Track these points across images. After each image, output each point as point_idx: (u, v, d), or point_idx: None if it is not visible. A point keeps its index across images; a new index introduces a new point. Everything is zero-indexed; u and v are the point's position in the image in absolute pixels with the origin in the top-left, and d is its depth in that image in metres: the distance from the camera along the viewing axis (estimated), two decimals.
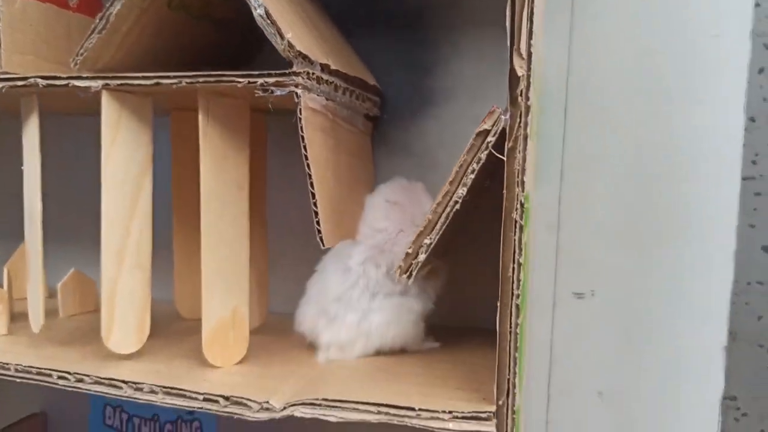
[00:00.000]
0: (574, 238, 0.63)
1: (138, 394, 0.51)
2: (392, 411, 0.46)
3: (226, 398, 0.49)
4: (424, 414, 0.45)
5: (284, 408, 0.48)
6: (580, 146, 0.62)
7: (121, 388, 0.51)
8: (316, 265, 0.62)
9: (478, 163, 0.44)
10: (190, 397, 0.50)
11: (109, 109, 0.52)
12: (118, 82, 0.51)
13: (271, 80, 0.47)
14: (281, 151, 0.69)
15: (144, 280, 0.55)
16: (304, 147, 0.47)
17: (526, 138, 0.43)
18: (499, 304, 0.44)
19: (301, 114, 0.46)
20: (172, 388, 0.50)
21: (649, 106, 0.60)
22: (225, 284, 0.53)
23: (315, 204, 0.48)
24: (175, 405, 0.50)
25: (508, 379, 0.45)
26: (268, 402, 0.48)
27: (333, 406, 0.47)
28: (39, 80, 0.52)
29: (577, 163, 0.62)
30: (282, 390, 0.50)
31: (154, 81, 0.50)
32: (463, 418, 0.45)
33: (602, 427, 0.63)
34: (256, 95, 0.47)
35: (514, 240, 0.43)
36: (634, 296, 0.62)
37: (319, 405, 0.47)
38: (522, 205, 0.43)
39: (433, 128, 0.66)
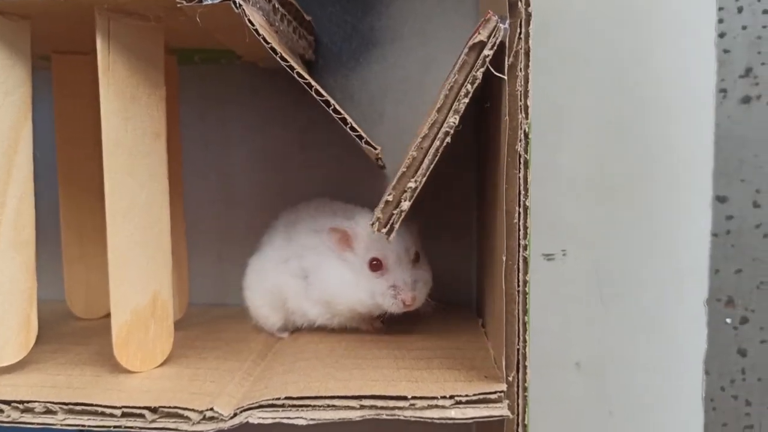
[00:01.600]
0: (540, 195, 0.57)
1: (27, 417, 0.38)
2: (379, 403, 0.36)
3: (153, 410, 0.37)
4: (419, 403, 0.36)
5: (234, 414, 0.37)
6: (548, 97, 0.56)
7: (1, 411, 0.38)
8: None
9: (473, 83, 0.35)
10: (104, 414, 0.37)
11: None
12: None
13: None
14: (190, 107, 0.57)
15: (26, 266, 0.42)
16: (286, 63, 0.36)
17: (528, 53, 0.35)
18: (504, 258, 0.36)
19: (253, 25, 0.34)
20: (76, 404, 0.37)
21: (620, 53, 0.55)
22: (141, 262, 0.41)
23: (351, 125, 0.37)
24: (83, 426, 0.37)
25: (518, 349, 0.37)
26: (211, 409, 0.37)
27: (301, 406, 0.37)
28: None
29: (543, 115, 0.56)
30: (226, 392, 0.39)
31: None
32: (468, 402, 0.36)
33: (581, 398, 0.57)
34: (179, 5, 0.35)
35: (519, 178, 0.36)
36: (608, 255, 0.57)
37: (282, 406, 0.37)
38: (526, 135, 0.36)
39: (376, 74, 0.57)
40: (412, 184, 0.36)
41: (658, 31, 0.55)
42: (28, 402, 0.38)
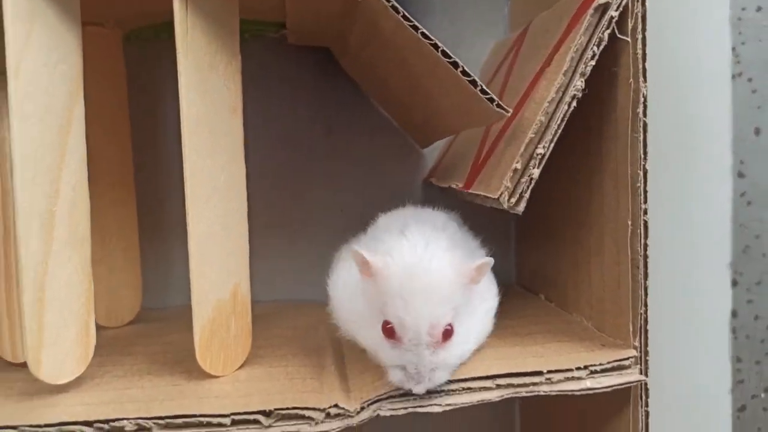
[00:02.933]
0: None
1: None
2: (515, 381, 0.35)
3: (268, 414, 0.33)
4: (555, 376, 0.35)
5: (362, 408, 0.34)
6: None
7: None
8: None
9: (598, 45, 0.34)
10: (210, 424, 0.33)
11: None
12: None
13: None
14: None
15: (82, 267, 0.36)
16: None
17: (645, 17, 0.35)
18: (630, 223, 0.36)
19: None
20: (173, 417, 0.33)
21: None
22: (222, 253, 0.37)
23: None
24: None
25: (641, 314, 0.37)
26: (336, 405, 0.33)
27: (434, 392, 0.34)
28: None
29: None
30: (337, 387, 0.36)
31: None
32: (603, 371, 0.36)
33: None
34: None
35: (640, 142, 0.35)
36: None
37: (416, 395, 0.34)
38: (645, 98, 0.36)
39: None
40: (540, 150, 0.34)
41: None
42: (114, 421, 0.32)
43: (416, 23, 0.34)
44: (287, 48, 0.53)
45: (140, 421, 0.32)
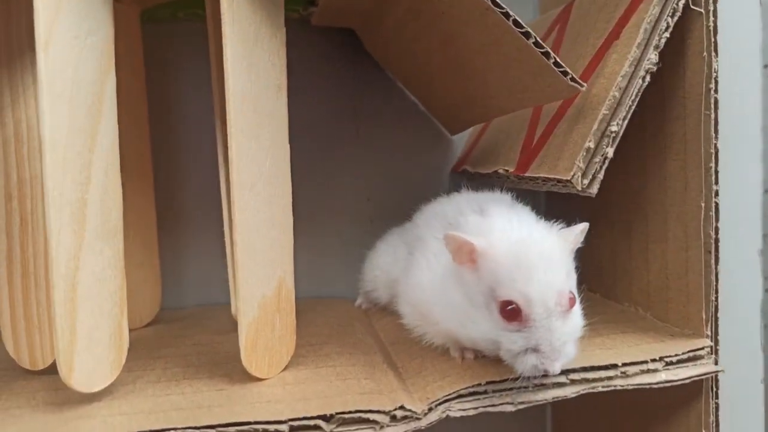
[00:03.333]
0: None
1: None
2: (590, 375, 0.32)
3: (328, 418, 0.30)
4: (630, 369, 0.33)
5: (429, 409, 0.31)
6: None
7: None
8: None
9: (672, 16, 0.32)
10: (316, 427, 0.30)
11: None
12: None
13: None
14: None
15: (115, 261, 0.32)
16: None
17: None
18: (703, 205, 0.34)
19: None
20: (226, 425, 0.29)
21: None
22: (266, 245, 0.34)
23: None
24: None
25: (712, 302, 0.35)
26: (402, 407, 0.31)
27: (505, 390, 0.32)
28: None
29: None
30: (397, 388, 0.33)
31: None
32: (679, 362, 0.34)
33: None
34: None
35: (712, 119, 0.34)
36: None
37: (485, 393, 0.32)
38: (716, 73, 0.34)
39: None
40: (614, 128, 0.32)
41: None
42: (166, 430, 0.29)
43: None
44: (310, 30, 0.50)
45: (189, 431, 0.29)
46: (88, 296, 0.31)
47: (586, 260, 0.48)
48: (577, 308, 0.32)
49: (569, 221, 0.49)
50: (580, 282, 0.48)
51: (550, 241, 0.32)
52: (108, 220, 0.32)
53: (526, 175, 0.37)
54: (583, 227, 0.33)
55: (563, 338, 0.30)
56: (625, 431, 0.43)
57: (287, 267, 0.35)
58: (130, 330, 0.43)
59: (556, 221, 0.33)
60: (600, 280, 0.45)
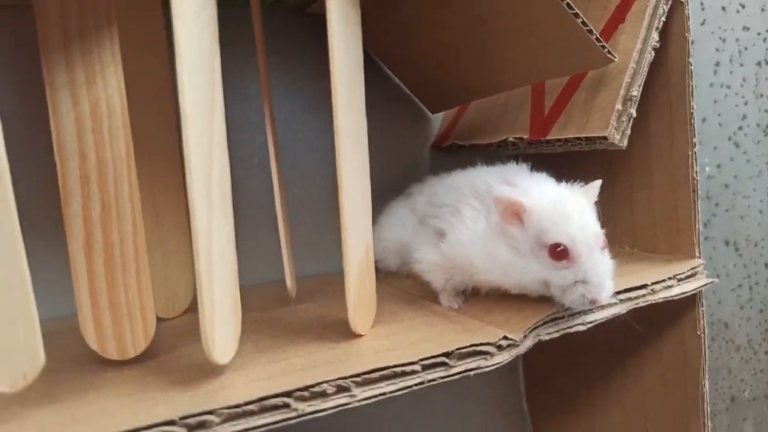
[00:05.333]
0: None
1: (318, 403, 0.31)
2: (632, 294, 0.40)
3: (448, 355, 0.34)
4: (656, 287, 0.41)
5: (524, 336, 0.36)
6: None
7: (287, 405, 0.30)
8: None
9: (666, 4, 0.41)
10: (404, 373, 0.33)
11: None
12: None
13: None
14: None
15: (231, 237, 0.33)
16: None
17: None
18: (690, 154, 0.43)
19: None
20: (365, 372, 0.32)
21: None
22: (360, 211, 0.36)
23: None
24: (383, 394, 0.32)
25: (697, 229, 0.44)
26: (505, 337, 0.35)
27: (577, 314, 0.38)
28: None
29: None
30: (485, 324, 0.38)
31: None
32: (686, 277, 0.43)
33: None
34: None
35: (691, 86, 0.43)
36: None
37: (562, 317, 0.38)
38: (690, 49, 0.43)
39: None
40: (634, 92, 0.40)
41: None
42: (310, 387, 0.31)
43: None
44: (303, 17, 0.51)
45: (339, 382, 0.31)
46: (218, 271, 0.31)
47: None
48: (606, 251, 0.38)
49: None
50: None
51: (578, 195, 0.39)
52: (225, 196, 0.32)
53: (547, 138, 0.43)
54: (598, 184, 0.40)
55: (605, 270, 0.37)
56: (612, 360, 0.51)
57: (370, 233, 0.38)
58: (167, 319, 0.43)
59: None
60: None
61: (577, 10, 0.37)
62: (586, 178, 0.51)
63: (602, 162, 0.50)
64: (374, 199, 0.48)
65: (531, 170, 0.43)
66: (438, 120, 0.59)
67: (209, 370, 0.32)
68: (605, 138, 0.39)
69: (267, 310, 0.44)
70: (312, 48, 0.53)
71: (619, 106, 0.39)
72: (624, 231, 0.49)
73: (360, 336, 0.37)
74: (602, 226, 0.38)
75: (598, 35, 0.38)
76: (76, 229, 0.33)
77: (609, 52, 0.39)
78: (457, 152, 0.54)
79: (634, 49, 0.40)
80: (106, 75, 0.33)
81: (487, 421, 0.64)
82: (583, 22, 0.37)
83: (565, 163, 0.53)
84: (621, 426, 0.52)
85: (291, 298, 0.44)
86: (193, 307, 0.45)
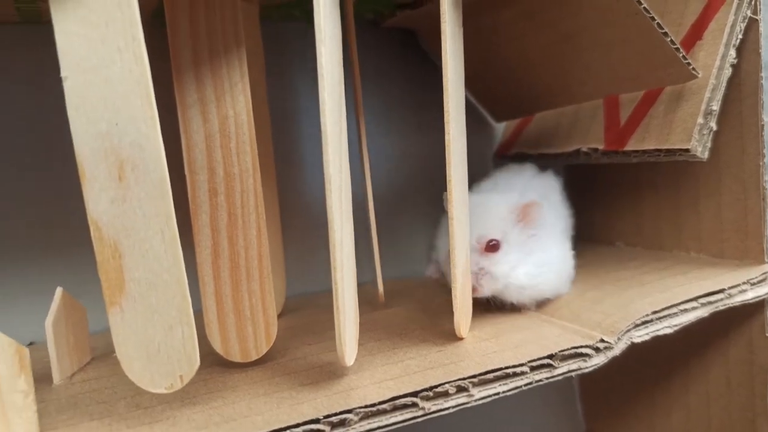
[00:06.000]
0: None
1: (440, 402, 0.33)
2: (711, 299, 0.42)
3: (552, 356, 0.36)
4: (732, 291, 0.43)
5: (618, 339, 0.38)
6: None
7: (415, 404, 0.32)
8: None
9: (743, 22, 0.43)
10: (515, 374, 0.35)
11: None
12: None
13: None
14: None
15: (353, 241, 0.35)
16: None
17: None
18: (760, 164, 0.45)
19: None
20: (481, 375, 0.34)
21: None
22: (464, 222, 0.38)
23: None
24: (497, 394, 0.34)
25: (766, 236, 0.46)
26: (602, 340, 0.37)
27: (665, 317, 0.40)
28: None
29: None
30: (575, 329, 0.40)
31: None
32: (758, 282, 0.45)
33: None
34: None
35: (763, 101, 0.45)
36: None
37: (651, 321, 0.40)
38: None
39: None
40: (714, 107, 0.42)
41: None
42: (434, 387, 0.33)
43: None
44: (377, 31, 0.53)
45: (459, 383, 0.33)
46: (347, 277, 0.33)
47: (625, 219, 0.58)
48: (507, 253, 0.42)
49: (592, 191, 0.58)
50: (619, 237, 0.59)
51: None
52: (349, 204, 0.34)
53: (625, 149, 0.45)
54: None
55: (479, 266, 0.42)
56: (675, 361, 0.54)
57: (468, 241, 0.40)
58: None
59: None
60: (640, 236, 0.56)
61: (666, 29, 0.39)
62: (651, 187, 0.54)
63: (667, 171, 0.52)
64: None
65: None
66: (499, 129, 0.61)
67: (331, 372, 0.34)
68: (687, 150, 0.41)
69: (361, 314, 0.45)
70: (390, 59, 0.55)
71: (701, 120, 0.41)
72: (690, 236, 0.51)
73: (461, 339, 0.39)
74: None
75: (684, 53, 0.40)
76: (204, 238, 0.35)
77: (693, 68, 0.41)
78: (522, 161, 0.56)
79: (714, 65, 0.42)
80: (235, 93, 0.35)
81: (537, 420, 0.66)
82: (672, 41, 0.39)
83: (629, 169, 0.55)
84: (682, 427, 0.54)
85: (381, 301, 0.46)
86: (284, 312, 0.47)
